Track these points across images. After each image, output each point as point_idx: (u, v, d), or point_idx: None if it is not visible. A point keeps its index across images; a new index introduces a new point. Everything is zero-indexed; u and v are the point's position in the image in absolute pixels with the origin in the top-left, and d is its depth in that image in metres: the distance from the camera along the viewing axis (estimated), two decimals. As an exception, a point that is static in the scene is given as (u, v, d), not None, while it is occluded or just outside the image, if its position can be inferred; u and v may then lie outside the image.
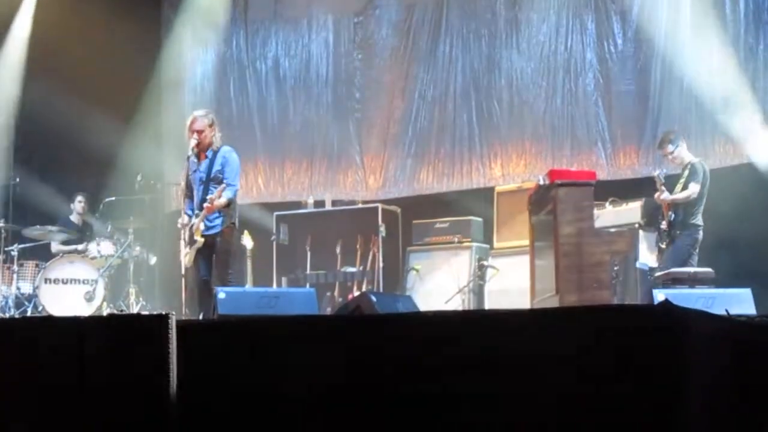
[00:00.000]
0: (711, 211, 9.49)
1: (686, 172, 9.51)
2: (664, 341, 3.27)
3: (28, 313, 10.86)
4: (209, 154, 9.06)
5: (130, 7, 12.81)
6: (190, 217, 9.00)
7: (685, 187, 9.45)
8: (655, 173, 9.58)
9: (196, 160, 9.10)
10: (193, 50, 13.77)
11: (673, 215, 9.49)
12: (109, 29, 12.45)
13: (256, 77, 13.37)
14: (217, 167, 9.03)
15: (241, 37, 13.49)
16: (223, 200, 8.81)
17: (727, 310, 3.83)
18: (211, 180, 9.02)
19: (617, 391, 3.29)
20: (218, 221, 8.90)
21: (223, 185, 8.83)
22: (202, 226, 8.88)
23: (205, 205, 8.81)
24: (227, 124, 12.08)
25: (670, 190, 9.50)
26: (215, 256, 8.99)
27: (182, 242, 9.07)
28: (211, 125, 9.09)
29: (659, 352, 3.26)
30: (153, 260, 11.83)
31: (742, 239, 9.78)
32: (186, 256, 8.93)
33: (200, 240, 8.86)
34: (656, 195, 9.49)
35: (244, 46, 13.46)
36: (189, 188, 9.08)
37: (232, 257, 9.11)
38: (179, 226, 9.02)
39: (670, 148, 9.61)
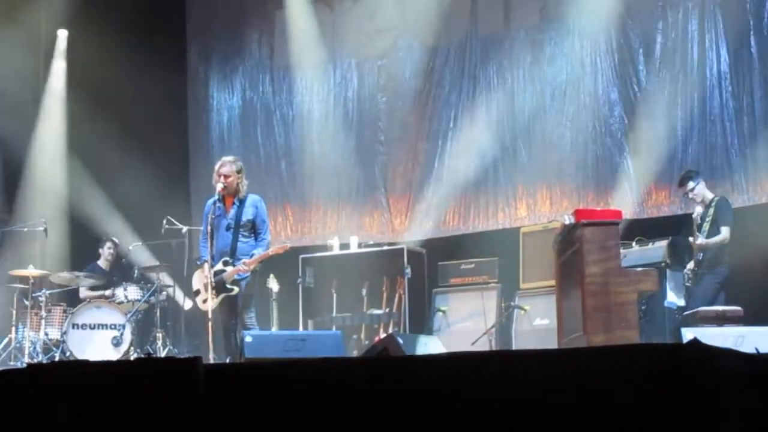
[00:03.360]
0: (739, 248, 9.45)
1: (711, 210, 9.50)
2: (693, 380, 3.24)
3: (56, 359, 10.88)
4: (236, 201, 9.17)
5: (156, 54, 12.97)
6: (206, 261, 9.11)
7: (715, 228, 9.41)
8: (694, 215, 9.58)
9: (221, 206, 9.19)
10: (219, 96, 13.90)
11: (701, 254, 9.48)
12: (135, 75, 12.59)
13: (282, 122, 13.47)
14: (247, 216, 9.16)
15: (267, 83, 13.60)
16: (258, 258, 9.03)
17: (757, 348, 3.79)
18: (241, 227, 9.15)
19: (647, 432, 3.26)
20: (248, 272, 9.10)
21: (264, 253, 9.05)
22: (235, 275, 9.02)
23: (243, 263, 8.95)
24: (254, 169, 12.20)
25: (698, 229, 9.50)
26: (239, 301, 9.09)
27: (203, 287, 9.16)
28: (238, 172, 9.22)
29: (689, 391, 3.23)
30: (189, 305, 11.84)
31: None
32: (211, 301, 8.99)
33: (236, 289, 9.00)
34: (693, 241, 9.45)
35: (270, 92, 13.58)
36: (210, 232, 9.16)
37: (253, 300, 9.23)
38: (204, 274, 9.10)
39: (690, 184, 9.62)
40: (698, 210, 9.61)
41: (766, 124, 10.53)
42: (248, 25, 13.80)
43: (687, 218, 9.82)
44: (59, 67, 13.32)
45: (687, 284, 9.57)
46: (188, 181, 13.73)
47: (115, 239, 12.35)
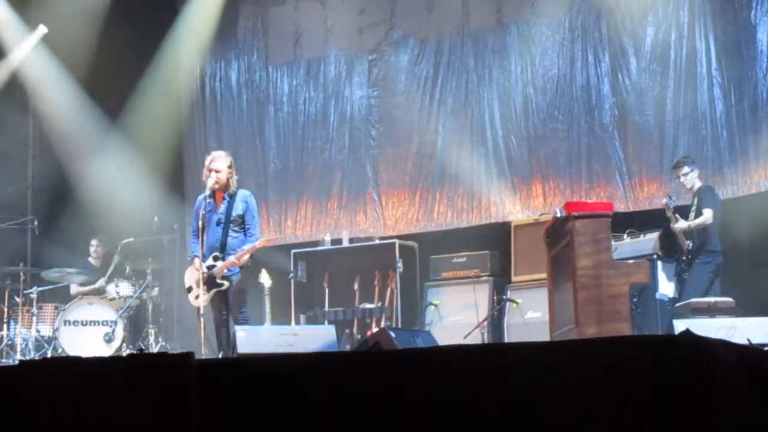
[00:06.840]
0: (731, 239, 9.48)
1: (696, 199, 9.60)
2: (685, 371, 3.25)
3: (48, 356, 10.85)
4: (226, 196, 9.14)
5: (150, 50, 12.94)
6: (196, 256, 9.08)
7: (699, 214, 9.50)
8: (663, 201, 9.68)
9: (212, 201, 9.16)
10: (213, 92, 13.86)
11: (690, 243, 9.52)
12: (129, 71, 12.56)
13: (275, 118, 13.44)
14: (238, 211, 9.13)
15: (262, 80, 13.58)
16: (248, 255, 9.00)
17: (749, 339, 3.80)
18: (231, 222, 9.12)
19: (639, 423, 3.27)
20: (238, 266, 9.06)
21: (251, 246, 9.01)
22: (225, 270, 9.00)
23: (232, 258, 8.94)
24: (247, 166, 12.19)
25: (675, 219, 9.58)
26: (230, 296, 9.07)
27: (195, 283, 9.13)
28: (229, 167, 9.19)
29: (681, 382, 3.24)
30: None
31: (762, 267, 9.75)
32: (203, 296, 8.98)
33: (226, 284, 8.98)
34: (671, 225, 9.56)
35: (264, 88, 13.55)
36: (201, 228, 9.14)
37: (245, 296, 9.21)
38: (196, 269, 9.08)
39: (686, 169, 9.74)
40: (665, 201, 9.69)
41: (755, 115, 10.56)
42: (242, 21, 13.77)
43: (678, 210, 9.84)
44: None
45: (684, 276, 9.61)
46: (182, 178, 13.68)
47: (101, 236, 12.30)
